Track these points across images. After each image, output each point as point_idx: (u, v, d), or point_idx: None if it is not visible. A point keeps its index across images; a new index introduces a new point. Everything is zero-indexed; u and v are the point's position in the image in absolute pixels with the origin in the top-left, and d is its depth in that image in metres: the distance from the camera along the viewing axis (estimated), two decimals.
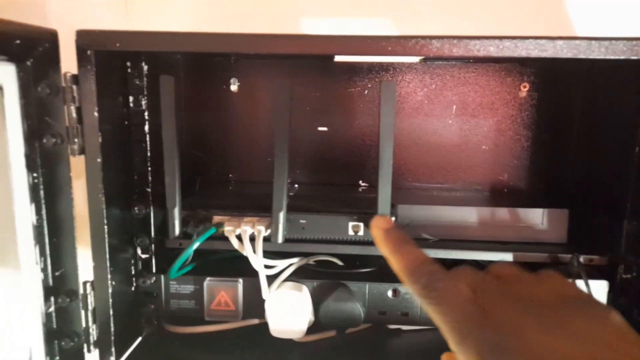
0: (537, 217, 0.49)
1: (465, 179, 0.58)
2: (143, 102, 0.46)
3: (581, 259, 0.45)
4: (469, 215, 0.49)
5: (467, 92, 0.56)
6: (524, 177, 0.57)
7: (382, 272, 0.50)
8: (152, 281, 0.49)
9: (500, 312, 0.23)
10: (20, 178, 0.38)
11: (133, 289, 0.48)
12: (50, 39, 0.37)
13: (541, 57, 0.36)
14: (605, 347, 0.20)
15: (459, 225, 0.49)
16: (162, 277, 0.49)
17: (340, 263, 0.52)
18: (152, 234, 0.48)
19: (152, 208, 0.47)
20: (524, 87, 0.55)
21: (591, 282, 0.43)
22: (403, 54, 0.37)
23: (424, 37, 0.37)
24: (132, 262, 0.48)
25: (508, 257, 0.46)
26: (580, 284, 0.43)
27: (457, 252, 0.47)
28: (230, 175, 0.60)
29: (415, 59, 0.55)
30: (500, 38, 0.36)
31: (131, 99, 0.46)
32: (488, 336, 0.22)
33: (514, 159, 0.57)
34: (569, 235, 0.48)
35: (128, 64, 0.45)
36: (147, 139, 0.47)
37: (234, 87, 0.58)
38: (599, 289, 0.44)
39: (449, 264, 0.49)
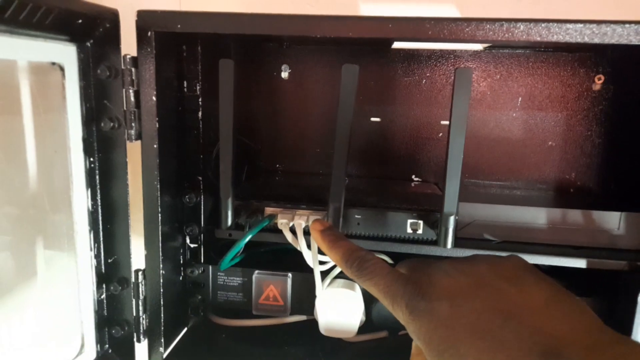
0: (612, 220, 0.45)
1: (528, 177, 0.54)
2: (197, 88, 0.44)
3: None
4: (535, 216, 0.46)
5: (535, 84, 0.52)
6: (594, 176, 0.52)
7: None
8: (200, 271, 0.48)
9: (420, 274, 0.28)
10: (78, 162, 0.37)
11: (181, 278, 0.47)
12: (111, 18, 0.36)
13: None
14: (491, 280, 0.27)
15: (524, 226, 0.46)
16: (211, 267, 0.48)
17: (390, 261, 0.50)
18: (202, 223, 0.47)
19: (202, 197, 0.46)
20: (599, 79, 0.51)
21: None
22: (484, 39, 0.34)
23: (508, 20, 0.33)
24: (181, 251, 0.47)
25: (581, 263, 0.42)
26: None
27: (523, 255, 0.43)
28: (277, 165, 0.58)
29: (479, 47, 0.51)
30: (598, 22, 0.32)
31: (185, 84, 0.44)
32: (410, 289, 0.27)
33: (584, 157, 0.52)
34: None
35: (184, 47, 0.43)
36: (200, 125, 0.45)
37: (284, 74, 0.55)
38: None
39: None
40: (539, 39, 0.33)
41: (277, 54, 0.55)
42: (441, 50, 0.53)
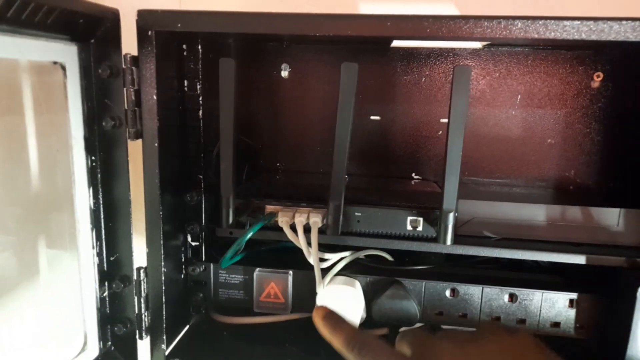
0: (612, 217, 0.45)
1: (528, 175, 0.54)
2: (198, 87, 0.44)
3: None
4: (534, 213, 0.46)
5: (534, 81, 0.52)
6: (593, 174, 0.53)
7: (439, 271, 0.47)
8: (202, 269, 0.48)
9: (426, 351, 0.28)
10: (79, 161, 0.38)
11: (183, 276, 0.47)
12: (112, 18, 0.36)
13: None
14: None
15: (523, 223, 0.46)
16: (212, 265, 0.48)
17: (390, 258, 0.50)
18: (203, 221, 0.47)
19: (203, 195, 0.46)
20: (597, 76, 0.51)
21: None
22: (482, 36, 0.34)
23: (506, 18, 0.34)
24: (183, 249, 0.47)
25: (580, 259, 0.42)
26: None
27: (523, 252, 0.44)
28: (278, 164, 0.58)
29: (478, 45, 0.51)
30: (595, 19, 0.32)
31: (186, 83, 0.44)
32: None
33: (583, 155, 0.53)
34: None
35: (184, 46, 0.44)
36: (201, 124, 0.45)
37: (284, 73, 0.56)
38: None
39: (509, 264, 0.47)
40: (536, 36, 0.33)
41: (277, 53, 0.55)
42: (440, 49, 0.53)
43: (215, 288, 0.49)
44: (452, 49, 0.53)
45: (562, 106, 0.52)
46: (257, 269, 0.48)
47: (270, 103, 0.57)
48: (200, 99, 0.45)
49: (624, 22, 0.32)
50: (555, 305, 0.43)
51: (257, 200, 0.46)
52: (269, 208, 0.45)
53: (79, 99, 0.37)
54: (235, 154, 0.42)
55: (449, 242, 0.41)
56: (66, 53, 0.36)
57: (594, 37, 0.32)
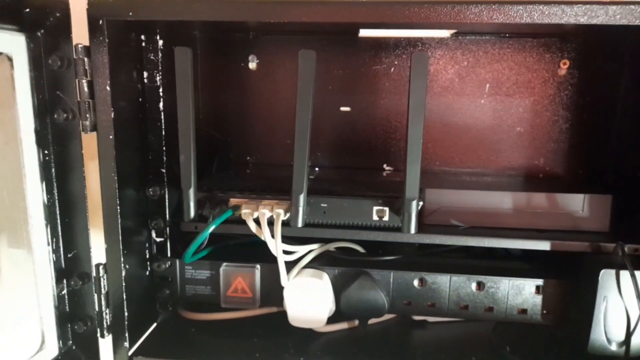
0: (576, 203, 0.45)
1: (498, 163, 0.54)
2: (158, 79, 0.44)
3: (626, 249, 0.41)
4: (502, 201, 0.46)
5: (502, 70, 0.52)
6: (562, 161, 0.53)
7: (407, 261, 0.47)
8: (167, 265, 0.47)
9: None
10: (30, 155, 0.36)
11: (148, 273, 0.47)
12: (61, 8, 0.35)
13: (591, 24, 0.32)
14: None
15: (491, 211, 0.46)
16: (178, 261, 0.47)
17: (361, 250, 0.49)
18: (167, 216, 0.46)
19: (167, 190, 0.46)
20: (564, 64, 0.51)
21: (637, 273, 0.39)
22: (436, 20, 0.34)
23: (460, 2, 0.33)
24: (147, 245, 0.46)
25: (545, 245, 0.42)
26: (624, 275, 0.39)
27: (490, 239, 0.43)
28: (248, 158, 0.57)
29: (446, 34, 0.51)
30: (546, 3, 0.32)
31: (145, 74, 0.44)
32: None
33: (551, 142, 0.53)
34: (611, 223, 0.44)
35: (142, 37, 0.43)
36: (162, 117, 0.44)
37: (252, 65, 0.55)
38: None
39: (481, 253, 0.46)
40: (489, 21, 0.33)
41: (244, 44, 0.55)
42: (408, 39, 0.53)
43: (182, 284, 0.48)
44: (420, 39, 0.53)
45: (530, 94, 0.52)
46: (224, 264, 0.47)
47: (238, 95, 0.56)
48: (161, 90, 0.44)
49: (575, 5, 0.32)
50: (522, 292, 0.43)
51: (221, 193, 0.45)
52: (233, 201, 0.45)
53: (28, 90, 0.36)
54: (195, 145, 0.41)
55: (412, 230, 0.41)
56: (13, 43, 0.34)
57: (546, 20, 0.32)
